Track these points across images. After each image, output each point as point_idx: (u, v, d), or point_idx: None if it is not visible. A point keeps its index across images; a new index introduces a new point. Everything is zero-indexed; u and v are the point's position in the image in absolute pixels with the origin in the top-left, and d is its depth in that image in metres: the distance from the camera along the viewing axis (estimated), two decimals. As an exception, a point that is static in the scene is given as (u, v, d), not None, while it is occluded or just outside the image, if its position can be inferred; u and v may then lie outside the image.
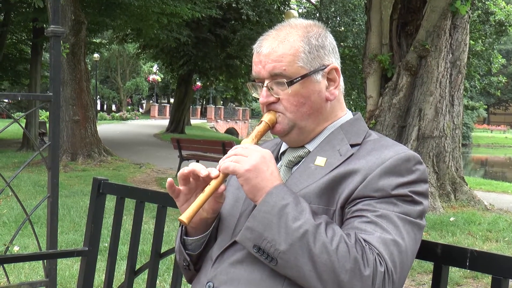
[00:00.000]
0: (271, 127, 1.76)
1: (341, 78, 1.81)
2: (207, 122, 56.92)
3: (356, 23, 27.74)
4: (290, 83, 1.71)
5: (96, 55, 43.90)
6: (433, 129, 10.99)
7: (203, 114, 68.68)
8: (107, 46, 35.19)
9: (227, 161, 1.62)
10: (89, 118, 17.36)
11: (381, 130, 11.05)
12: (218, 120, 59.40)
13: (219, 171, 1.64)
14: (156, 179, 14.12)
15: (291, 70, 1.71)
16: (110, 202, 7.20)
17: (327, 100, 1.77)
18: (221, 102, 76.98)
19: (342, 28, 28.48)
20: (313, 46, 1.74)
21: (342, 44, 27.40)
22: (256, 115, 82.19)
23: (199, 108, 70.39)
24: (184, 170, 1.69)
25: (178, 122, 36.24)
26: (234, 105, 70.93)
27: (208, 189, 1.63)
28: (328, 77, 1.77)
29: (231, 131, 59.60)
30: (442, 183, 10.98)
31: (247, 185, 1.60)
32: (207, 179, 1.67)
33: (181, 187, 1.73)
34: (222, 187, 1.67)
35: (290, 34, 1.74)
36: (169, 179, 1.71)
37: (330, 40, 1.80)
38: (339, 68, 1.80)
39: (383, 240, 1.52)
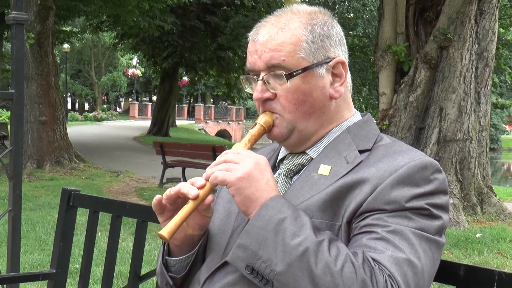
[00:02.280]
0: (267, 130, 1.77)
1: (349, 74, 1.82)
2: (195, 123, 56.90)
3: (367, 8, 27.78)
4: (289, 76, 1.71)
5: (66, 46, 43.78)
6: (456, 131, 11.01)
7: (191, 114, 68.68)
8: (79, 36, 35.22)
9: (215, 170, 1.62)
10: (58, 118, 17.32)
11: (396, 133, 11.06)
12: (208, 121, 59.40)
13: (206, 181, 1.64)
14: (136, 190, 14.10)
15: (291, 62, 1.72)
16: (82, 216, 7.16)
17: (332, 98, 1.77)
18: (212, 100, 77.08)
19: (351, 15, 28.51)
20: (317, 35, 1.75)
21: (351, 33, 27.42)
22: (251, 115, 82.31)
23: (186, 107, 70.41)
24: (171, 191, 1.68)
25: (161, 124, 36.22)
26: (226, 104, 70.96)
27: (193, 201, 1.63)
28: (333, 72, 1.78)
29: (223, 134, 59.62)
30: (466, 193, 10.99)
31: (238, 196, 1.60)
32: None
33: (165, 203, 1.72)
34: (210, 198, 1.67)
35: (292, 21, 1.75)
36: (158, 196, 1.71)
37: (337, 30, 1.81)
38: (347, 63, 1.80)
39: (395, 259, 1.51)
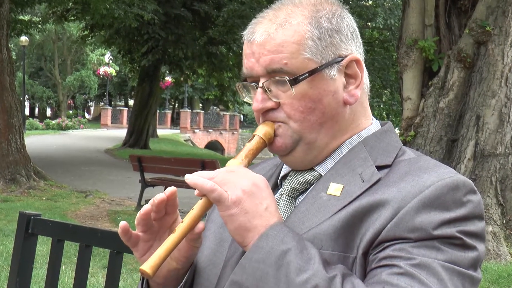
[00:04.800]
0: (267, 143, 1.77)
1: (365, 73, 1.83)
2: (180, 133, 56.88)
3: (389, -5, 27.90)
4: (294, 81, 1.72)
5: (24, 39, 43.79)
6: (497, 144, 11.01)
7: (175, 122, 68.69)
8: (39, 26, 35.14)
9: (212, 182, 1.60)
10: (14, 126, 17.30)
11: (423, 145, 11.07)
12: (196, 130, 59.39)
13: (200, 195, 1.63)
14: (109, 213, 14.07)
15: (295, 64, 1.73)
16: (43, 246, 7.15)
17: (346, 103, 1.78)
18: (201, 105, 77.11)
19: (370, 2, 28.62)
20: (324, 30, 1.76)
21: (369, 24, 27.50)
22: (249, 123, 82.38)
23: (169, 113, 70.46)
24: (141, 210, 1.68)
25: (139, 133, 36.21)
26: (218, 110, 70.99)
27: (181, 228, 1.61)
28: (347, 72, 1.79)
29: (214, 146, 59.61)
30: (509, 219, 10.98)
31: (231, 223, 1.60)
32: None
33: (139, 232, 1.72)
34: (200, 225, 1.67)
35: (293, 15, 1.76)
36: (123, 224, 1.69)
37: (348, 22, 1.82)
38: (362, 60, 1.82)
39: None
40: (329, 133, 1.78)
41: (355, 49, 1.81)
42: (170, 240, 1.60)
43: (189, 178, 1.60)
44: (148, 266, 1.56)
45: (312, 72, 1.73)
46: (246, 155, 1.74)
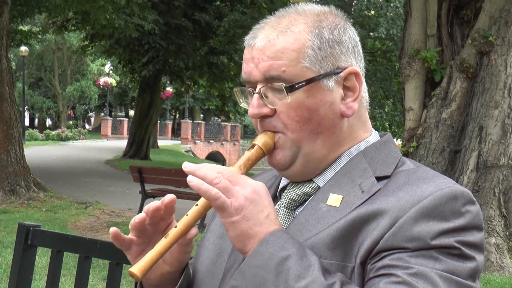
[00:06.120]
0: (266, 153, 1.78)
1: (364, 87, 1.84)
2: (181, 144, 56.91)
3: (392, 5, 27.92)
4: (290, 88, 1.73)
5: (23, 49, 43.83)
6: (500, 155, 10.98)
7: (176, 133, 68.69)
8: (39, 36, 35.19)
9: (216, 189, 1.59)
10: (13, 137, 17.29)
11: (426, 157, 11.05)
12: (197, 141, 59.41)
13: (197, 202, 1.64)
14: (109, 225, 14.06)
15: (293, 72, 1.74)
16: (42, 257, 7.15)
17: (343, 115, 1.79)
18: (202, 115, 77.11)
19: (372, 12, 28.63)
20: (325, 40, 1.77)
21: (371, 34, 27.50)
22: (250, 133, 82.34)
23: (170, 124, 70.51)
24: (136, 218, 1.70)
25: (140, 144, 36.18)
26: (219, 120, 71.06)
27: (174, 233, 1.63)
28: (345, 85, 1.79)
29: (215, 157, 59.61)
30: (513, 231, 10.97)
31: (233, 230, 1.61)
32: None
33: (133, 237, 1.74)
34: (193, 231, 1.68)
35: (295, 23, 1.77)
36: (113, 230, 1.71)
37: (350, 35, 1.83)
38: (361, 74, 1.82)
39: None
40: (326, 144, 1.78)
41: (355, 62, 1.82)
42: (161, 244, 1.61)
43: (193, 181, 1.58)
44: (137, 268, 1.57)
45: (309, 81, 1.74)
46: (245, 165, 1.74)
